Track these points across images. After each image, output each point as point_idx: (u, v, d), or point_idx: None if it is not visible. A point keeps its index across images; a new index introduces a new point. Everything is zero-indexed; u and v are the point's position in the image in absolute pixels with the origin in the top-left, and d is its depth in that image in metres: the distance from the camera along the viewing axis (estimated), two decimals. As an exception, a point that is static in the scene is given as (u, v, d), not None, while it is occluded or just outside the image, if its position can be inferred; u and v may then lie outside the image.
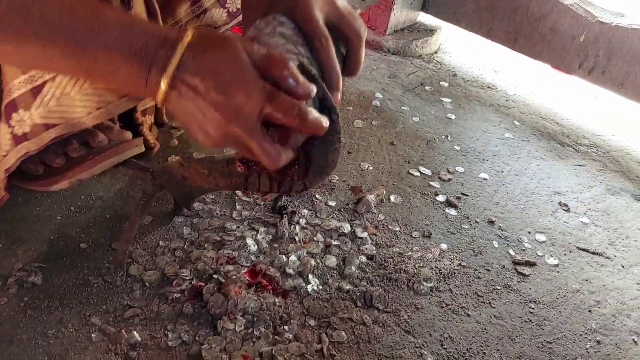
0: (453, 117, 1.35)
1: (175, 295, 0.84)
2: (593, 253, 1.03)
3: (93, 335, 0.77)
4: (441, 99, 1.42)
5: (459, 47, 1.68)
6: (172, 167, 0.88)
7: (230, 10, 1.11)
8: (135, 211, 0.87)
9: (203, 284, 0.85)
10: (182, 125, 0.57)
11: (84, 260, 0.87)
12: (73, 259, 0.87)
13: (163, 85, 0.54)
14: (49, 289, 0.82)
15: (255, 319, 0.83)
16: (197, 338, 0.79)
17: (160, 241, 0.92)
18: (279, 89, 0.57)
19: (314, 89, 0.59)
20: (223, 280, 0.86)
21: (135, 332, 0.78)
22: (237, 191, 1.03)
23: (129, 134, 0.98)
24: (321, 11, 0.64)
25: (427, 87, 1.46)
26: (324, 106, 0.65)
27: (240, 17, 1.15)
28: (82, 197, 0.98)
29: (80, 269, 0.86)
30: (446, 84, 1.49)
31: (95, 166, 0.93)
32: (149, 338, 0.78)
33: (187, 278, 0.86)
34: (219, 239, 0.94)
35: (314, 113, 0.59)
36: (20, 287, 0.82)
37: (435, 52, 1.65)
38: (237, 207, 1.00)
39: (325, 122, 0.60)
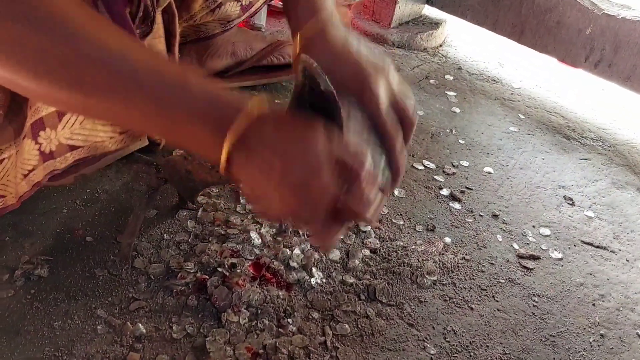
0: (458, 110, 1.35)
1: (180, 288, 0.84)
2: (597, 247, 1.03)
3: (99, 327, 0.78)
4: (446, 92, 1.42)
5: (464, 41, 1.68)
6: (176, 161, 0.89)
7: (243, 3, 1.12)
8: (140, 205, 0.88)
9: (207, 276, 0.86)
10: (243, 192, 0.57)
11: (89, 253, 0.88)
12: (79, 251, 0.88)
13: (224, 153, 0.54)
14: (55, 281, 0.83)
15: (259, 311, 0.83)
16: (201, 330, 0.80)
17: (165, 234, 0.93)
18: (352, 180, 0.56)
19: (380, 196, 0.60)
20: (227, 274, 0.86)
21: (140, 324, 0.79)
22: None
23: (133, 128, 0.99)
24: (385, 97, 0.64)
25: (431, 81, 1.46)
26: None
27: (252, 10, 1.16)
28: (88, 190, 0.98)
29: (85, 262, 0.86)
30: (451, 78, 1.48)
31: (99, 160, 0.93)
32: (153, 330, 0.79)
33: (192, 271, 0.87)
34: (223, 232, 0.94)
35: (377, 209, 0.59)
36: (27, 279, 0.82)
37: (440, 46, 1.64)
38: (242, 201, 1.01)
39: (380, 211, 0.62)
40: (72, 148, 0.80)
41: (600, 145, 1.30)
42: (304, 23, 0.71)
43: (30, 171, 0.79)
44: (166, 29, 0.87)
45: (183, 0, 0.98)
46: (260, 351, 0.78)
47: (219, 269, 0.87)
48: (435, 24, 1.65)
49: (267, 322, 0.82)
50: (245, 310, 0.82)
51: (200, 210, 0.98)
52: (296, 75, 0.59)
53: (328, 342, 0.80)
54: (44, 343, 0.75)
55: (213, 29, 1.16)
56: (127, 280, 0.85)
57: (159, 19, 0.84)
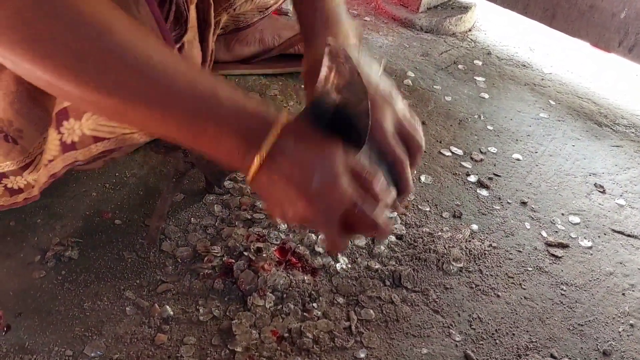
0: (486, 96, 1.33)
1: (207, 271, 0.85)
2: (628, 236, 1.01)
3: (127, 308, 0.79)
4: (474, 77, 1.40)
5: (494, 25, 1.64)
6: (203, 146, 0.89)
7: None
8: (168, 188, 0.89)
9: (233, 260, 0.87)
10: (261, 199, 0.60)
11: (118, 236, 0.89)
12: (108, 234, 0.89)
13: (256, 161, 0.56)
14: (85, 263, 0.85)
15: (285, 295, 0.84)
16: (227, 313, 0.81)
17: (192, 218, 0.94)
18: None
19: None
20: (253, 258, 0.87)
21: (167, 306, 0.80)
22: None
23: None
24: (391, 124, 0.65)
25: (460, 66, 1.44)
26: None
27: None
28: (117, 174, 1.00)
29: (114, 245, 0.88)
30: (480, 63, 1.46)
31: (124, 147, 0.94)
32: (180, 312, 0.80)
33: (218, 255, 0.88)
34: (249, 217, 0.95)
35: (387, 223, 0.61)
36: (58, 261, 0.84)
37: (469, 30, 1.61)
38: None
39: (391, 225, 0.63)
40: (97, 140, 0.80)
41: (633, 132, 1.27)
42: (317, 38, 0.74)
43: (50, 161, 0.81)
44: (202, 19, 0.87)
45: None
46: (286, 335, 0.79)
47: (245, 253, 0.88)
48: (464, 8, 1.61)
49: (292, 306, 0.82)
50: (270, 294, 0.83)
51: (227, 194, 0.98)
52: (313, 88, 0.62)
53: (353, 327, 0.80)
54: (75, 323, 0.77)
55: (252, 17, 1.16)
56: (155, 263, 0.86)
57: (192, 13, 0.85)
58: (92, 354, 0.73)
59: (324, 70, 0.61)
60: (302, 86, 1.20)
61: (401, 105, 0.68)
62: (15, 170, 0.81)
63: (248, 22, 1.17)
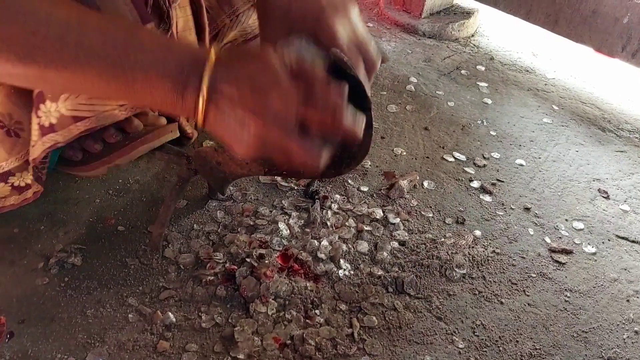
0: (489, 101, 1.33)
1: (209, 277, 0.85)
2: (633, 242, 1.00)
3: (130, 315, 0.79)
4: (477, 83, 1.40)
5: (497, 30, 1.64)
6: (206, 153, 0.89)
7: None
8: (171, 195, 0.89)
9: (236, 267, 0.87)
10: (220, 140, 0.57)
11: (121, 243, 0.89)
12: (111, 241, 0.89)
13: (200, 99, 0.55)
14: (88, 270, 0.85)
15: (287, 302, 0.84)
16: (229, 320, 0.80)
17: (195, 225, 0.94)
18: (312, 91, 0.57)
19: (346, 88, 0.59)
20: (255, 264, 0.87)
21: (170, 313, 0.80)
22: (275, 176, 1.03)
23: (163, 120, 1.00)
24: (344, 35, 0.63)
25: (463, 71, 1.44)
26: (358, 95, 0.64)
27: None
28: (120, 180, 1.00)
29: (117, 251, 0.88)
30: (483, 68, 1.46)
31: (132, 151, 0.95)
32: (183, 319, 0.80)
33: (221, 261, 0.88)
34: (252, 223, 0.95)
35: (349, 111, 0.58)
36: (61, 267, 0.84)
37: (472, 36, 1.61)
38: (272, 192, 1.01)
39: (360, 121, 0.60)
40: (77, 119, 0.78)
41: (637, 137, 1.26)
42: None
43: (32, 146, 0.80)
44: (196, 22, 0.87)
45: None
46: (288, 342, 0.79)
47: (248, 260, 0.88)
48: (467, 14, 1.62)
49: (294, 313, 0.82)
50: (273, 301, 0.83)
51: (230, 201, 0.98)
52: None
53: (355, 334, 0.80)
54: (77, 330, 0.77)
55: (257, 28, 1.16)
56: (158, 269, 0.86)
57: (187, 10, 0.85)
58: (95, 361, 0.73)
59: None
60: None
61: (357, 18, 0.65)
62: (21, 165, 0.80)
63: (255, 33, 1.17)
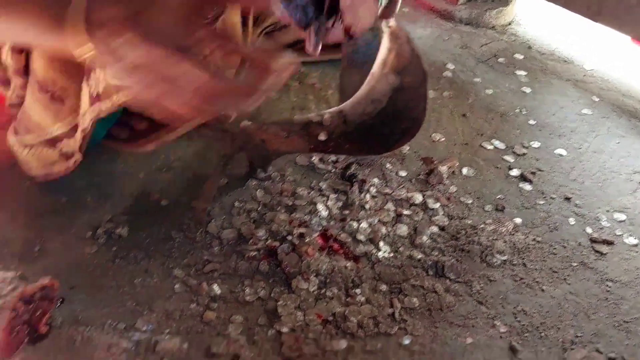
0: (528, 90, 1.32)
1: (252, 253, 0.86)
2: (675, 235, 0.99)
3: (176, 285, 0.81)
4: (515, 71, 1.38)
5: (535, 19, 1.62)
6: (250, 130, 0.90)
7: None
8: (216, 171, 0.90)
9: (278, 244, 0.87)
10: (125, 86, 0.52)
11: (165, 216, 0.91)
12: (155, 214, 0.91)
13: (83, 28, 0.49)
14: (135, 240, 0.86)
15: (328, 280, 0.84)
16: (272, 295, 0.81)
17: (236, 202, 0.95)
18: None
19: None
20: (297, 242, 0.88)
21: (215, 285, 0.81)
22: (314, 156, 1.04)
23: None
24: None
25: (500, 59, 1.42)
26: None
27: None
28: (162, 156, 1.01)
29: (162, 224, 0.89)
30: (521, 57, 1.44)
31: (178, 129, 0.96)
32: (227, 292, 0.81)
33: (262, 238, 0.89)
34: (290, 203, 0.96)
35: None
36: (109, 237, 0.86)
37: (510, 24, 1.59)
38: (309, 174, 1.02)
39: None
40: (119, 89, 0.75)
41: (678, 131, 1.24)
42: None
43: (83, 115, 0.80)
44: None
45: None
46: (330, 318, 0.79)
47: (288, 238, 0.88)
48: (504, 1, 1.59)
49: (335, 291, 0.83)
50: (314, 278, 0.84)
51: (269, 180, 0.99)
52: None
53: (396, 314, 0.81)
54: (126, 298, 0.79)
55: None
56: (202, 243, 0.87)
57: None
58: (144, 328, 0.75)
59: (382, 52, 0.61)
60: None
61: None
62: (68, 132, 0.82)
63: None
